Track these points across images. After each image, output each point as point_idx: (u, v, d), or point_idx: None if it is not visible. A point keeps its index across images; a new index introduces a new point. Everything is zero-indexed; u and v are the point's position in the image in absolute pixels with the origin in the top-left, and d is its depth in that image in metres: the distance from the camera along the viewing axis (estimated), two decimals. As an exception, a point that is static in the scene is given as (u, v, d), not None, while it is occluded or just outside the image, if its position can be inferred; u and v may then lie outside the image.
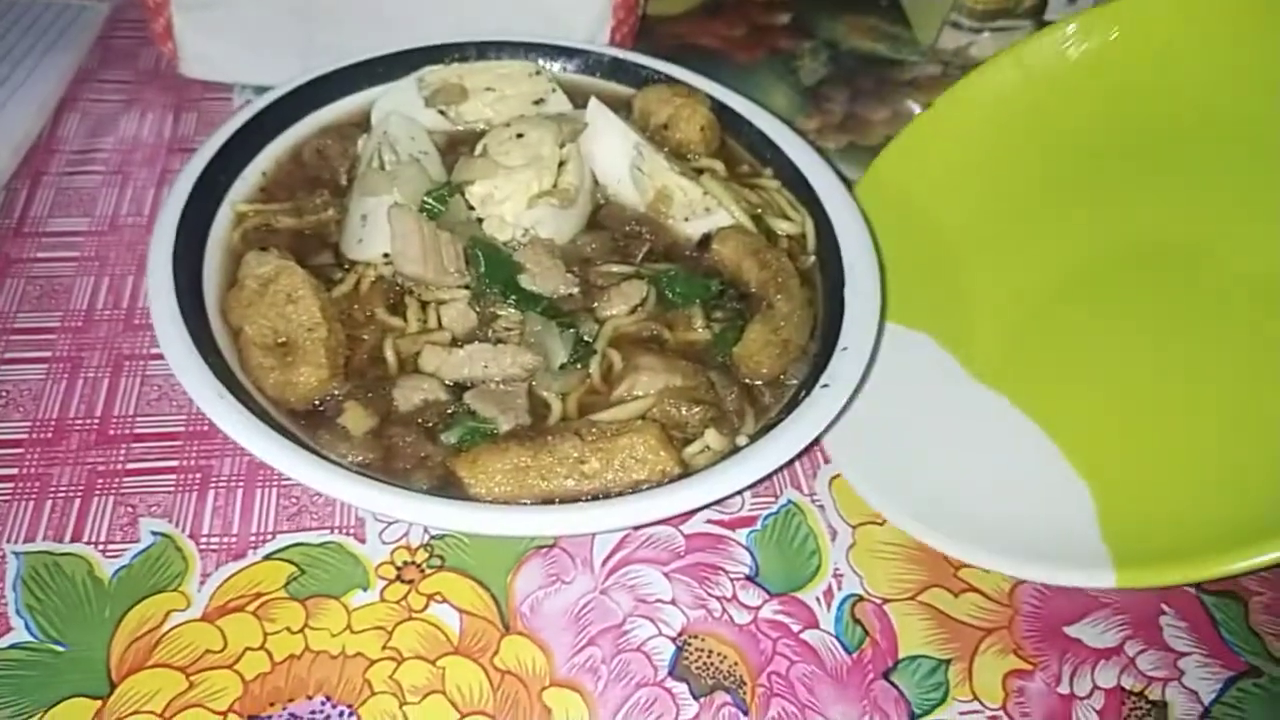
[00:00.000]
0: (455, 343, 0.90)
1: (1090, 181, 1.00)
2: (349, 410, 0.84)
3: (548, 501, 0.80)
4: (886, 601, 0.90)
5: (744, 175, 1.12)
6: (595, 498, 0.80)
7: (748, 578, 0.91)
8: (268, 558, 0.88)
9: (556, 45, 1.18)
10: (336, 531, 0.90)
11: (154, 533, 0.88)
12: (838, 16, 1.63)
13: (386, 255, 0.93)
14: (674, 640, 0.86)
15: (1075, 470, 0.86)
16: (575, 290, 0.94)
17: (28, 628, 0.82)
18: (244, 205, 0.99)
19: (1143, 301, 0.92)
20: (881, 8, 1.65)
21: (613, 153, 1.04)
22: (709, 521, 0.94)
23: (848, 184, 1.08)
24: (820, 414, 0.85)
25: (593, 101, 1.06)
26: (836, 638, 0.87)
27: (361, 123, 1.09)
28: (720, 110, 1.15)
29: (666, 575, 0.90)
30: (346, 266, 0.96)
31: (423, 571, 0.88)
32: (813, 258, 1.03)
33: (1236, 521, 0.73)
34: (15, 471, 0.92)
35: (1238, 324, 0.85)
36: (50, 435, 0.95)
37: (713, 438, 0.86)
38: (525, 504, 0.79)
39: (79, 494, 0.91)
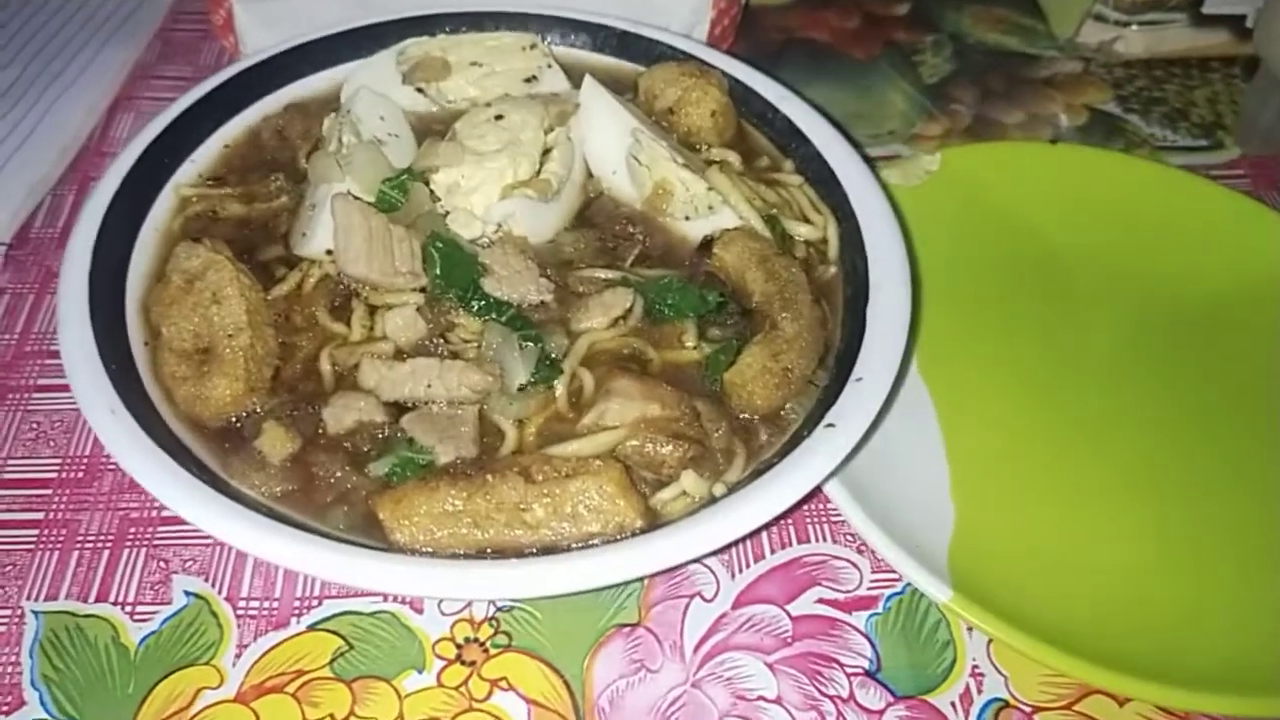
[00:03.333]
0: (400, 355, 0.78)
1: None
2: (268, 432, 0.73)
3: (481, 554, 0.67)
4: (1037, 710, 0.76)
5: (763, 170, 0.97)
6: (544, 551, 0.68)
7: (868, 673, 0.77)
8: (312, 628, 0.78)
9: (559, 16, 1.04)
10: (390, 599, 0.79)
11: (188, 593, 0.79)
12: (963, 6, 1.44)
13: (331, 251, 0.81)
14: (779, 751, 0.73)
15: (951, 493, 0.87)
16: (549, 298, 0.81)
17: (43, 702, 0.73)
18: (188, 189, 0.89)
19: (1101, 406, 0.96)
20: None
21: (607, 139, 0.91)
22: (820, 602, 0.81)
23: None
24: (819, 462, 0.70)
25: (587, 80, 0.92)
26: (977, 756, 0.73)
27: (336, 101, 0.97)
28: (744, 94, 1.01)
29: (770, 667, 0.77)
30: (295, 263, 0.84)
31: (487, 651, 0.77)
32: (834, 268, 0.88)
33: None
34: (41, 516, 0.83)
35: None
36: (81, 475, 0.86)
37: (690, 481, 0.72)
38: (451, 557, 0.67)
39: (108, 544, 0.82)
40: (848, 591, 0.82)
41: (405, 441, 0.73)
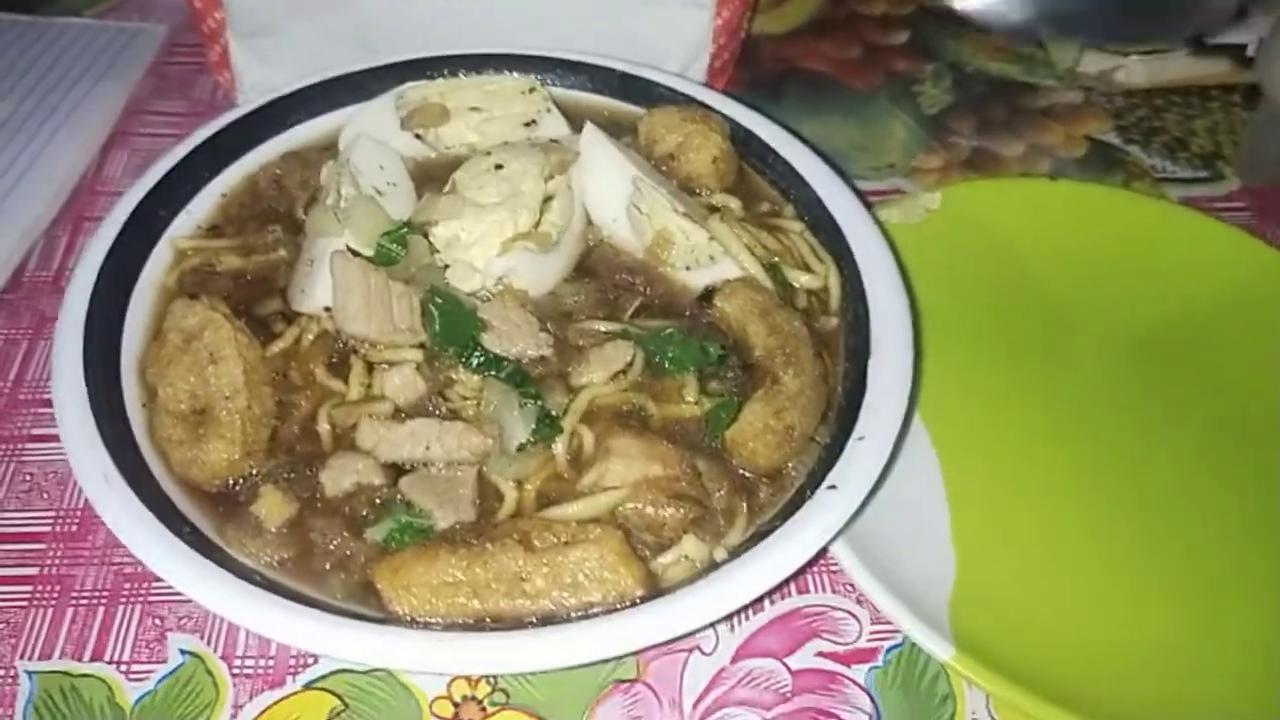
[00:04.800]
0: (398, 415, 0.77)
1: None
2: (264, 497, 0.72)
3: (480, 623, 0.67)
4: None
5: (763, 214, 0.96)
6: (544, 620, 0.67)
7: (866, 728, 0.76)
8: (308, 686, 0.77)
9: (558, 58, 1.03)
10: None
11: (183, 651, 0.78)
12: (962, 34, 1.43)
13: (329, 308, 0.81)
14: (778, 810, 0.72)
15: (951, 538, 0.86)
16: (548, 352, 0.80)
17: (33, 770, 0.72)
18: (184, 241, 0.88)
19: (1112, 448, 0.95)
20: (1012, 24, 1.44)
21: (608, 188, 0.90)
22: (820, 655, 0.81)
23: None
24: (821, 525, 0.70)
25: (587, 128, 0.92)
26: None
27: (333, 147, 0.97)
28: (745, 136, 1.00)
29: (769, 723, 0.76)
30: (292, 318, 0.84)
31: (484, 709, 0.76)
32: (835, 319, 0.88)
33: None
34: (35, 571, 0.82)
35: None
36: (75, 528, 0.85)
37: (691, 545, 0.72)
38: (449, 627, 0.66)
39: (103, 600, 0.81)
40: (847, 644, 0.82)
41: (403, 505, 0.73)
